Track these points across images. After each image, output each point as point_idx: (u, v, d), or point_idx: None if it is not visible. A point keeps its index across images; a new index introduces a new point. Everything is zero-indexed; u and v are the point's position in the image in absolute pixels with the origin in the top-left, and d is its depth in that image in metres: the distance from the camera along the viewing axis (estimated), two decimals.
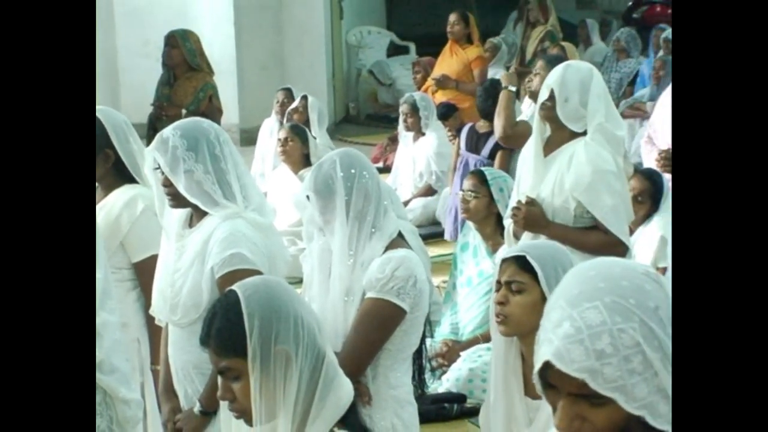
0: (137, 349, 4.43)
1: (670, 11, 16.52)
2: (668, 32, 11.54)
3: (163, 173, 3.78)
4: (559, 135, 4.87)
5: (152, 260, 4.10)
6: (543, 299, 3.42)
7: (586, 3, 18.70)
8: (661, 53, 11.23)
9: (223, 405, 2.66)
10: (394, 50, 15.91)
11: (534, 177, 4.90)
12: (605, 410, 1.86)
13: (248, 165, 4.72)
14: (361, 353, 3.81)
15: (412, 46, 15.80)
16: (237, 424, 2.66)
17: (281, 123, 9.37)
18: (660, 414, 1.86)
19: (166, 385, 4.01)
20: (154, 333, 4.23)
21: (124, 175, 4.37)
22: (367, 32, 15.97)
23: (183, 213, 3.90)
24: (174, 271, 3.85)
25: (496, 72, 10.74)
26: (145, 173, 4.20)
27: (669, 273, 4.89)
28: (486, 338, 5.93)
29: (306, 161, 8.06)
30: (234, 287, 2.62)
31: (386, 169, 10.24)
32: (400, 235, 3.91)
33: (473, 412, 5.52)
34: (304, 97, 9.37)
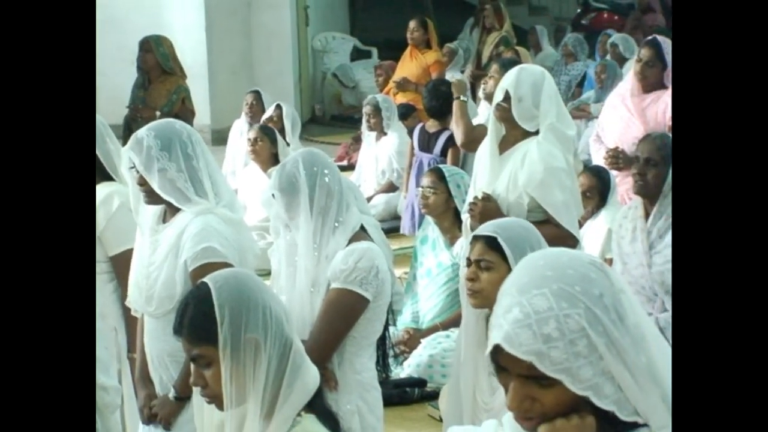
0: (114, 338, 4.42)
1: (616, 17, 16.61)
2: (614, 37, 11.60)
3: (138, 172, 3.77)
4: (514, 134, 4.89)
5: (128, 254, 4.09)
6: None
7: (539, 10, 18.75)
8: (607, 57, 11.29)
9: (196, 390, 2.65)
10: (357, 55, 15.89)
11: (490, 174, 4.92)
12: (553, 391, 1.88)
13: (219, 163, 4.70)
14: (327, 340, 3.82)
15: (375, 51, 15.79)
16: (209, 408, 2.65)
17: (250, 124, 9.34)
18: (605, 395, 1.87)
19: (142, 373, 4.00)
20: (131, 323, 4.22)
21: (101, 174, 4.36)
22: (331, 38, 15.95)
23: (157, 209, 3.89)
24: (149, 264, 3.84)
25: (453, 75, 10.75)
26: (121, 172, 4.20)
27: (615, 264, 4.92)
28: (445, 326, 5.95)
29: (275, 160, 8.03)
30: (205, 279, 2.61)
31: (350, 167, 10.24)
32: (362, 228, 3.93)
33: (433, 396, 5.53)
34: (279, 107, 9.32)
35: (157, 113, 7.76)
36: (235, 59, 13.65)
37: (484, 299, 3.63)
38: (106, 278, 4.38)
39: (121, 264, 4.25)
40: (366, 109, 9.70)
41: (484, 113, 8.50)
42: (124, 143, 3.96)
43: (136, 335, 4.07)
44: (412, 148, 8.75)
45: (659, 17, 14.73)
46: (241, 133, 9.68)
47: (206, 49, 13.17)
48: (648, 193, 4.90)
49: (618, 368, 1.87)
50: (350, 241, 3.85)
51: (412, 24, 11.55)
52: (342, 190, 3.88)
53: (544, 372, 1.85)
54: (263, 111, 9.62)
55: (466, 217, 5.06)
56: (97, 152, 4.31)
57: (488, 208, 4.85)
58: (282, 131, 8.91)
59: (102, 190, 4.33)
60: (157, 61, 8.20)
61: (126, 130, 7.90)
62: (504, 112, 4.85)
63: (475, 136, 6.89)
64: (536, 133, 4.84)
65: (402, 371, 5.79)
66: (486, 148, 5.00)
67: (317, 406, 2.58)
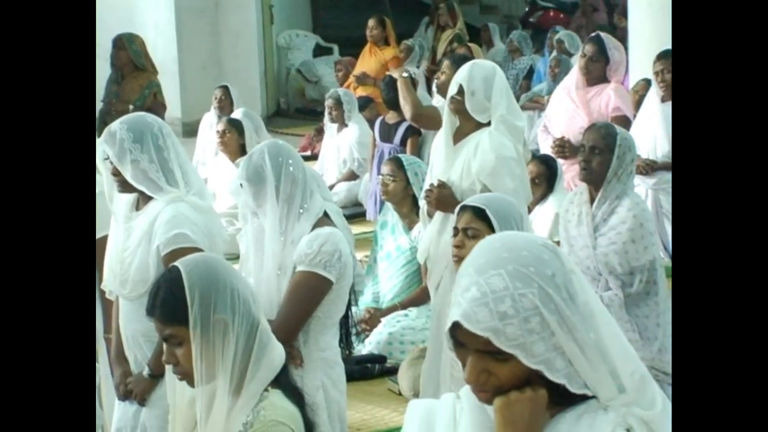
0: None
1: (562, 15, 16.66)
2: (560, 34, 11.63)
3: (112, 163, 3.76)
4: (467, 125, 4.90)
5: (103, 240, 4.05)
6: None
7: (489, 8, 18.77)
8: (554, 53, 11.32)
9: (168, 368, 2.64)
10: (319, 51, 15.86)
11: (445, 163, 4.93)
12: (508, 365, 1.87)
13: (189, 154, 4.67)
14: (293, 320, 3.81)
15: (336, 48, 15.77)
16: (181, 385, 2.64)
17: (219, 117, 9.30)
18: (557, 369, 1.87)
19: (117, 352, 3.98)
20: (106, 305, 4.19)
21: None
22: (295, 35, 15.91)
23: (130, 197, 3.87)
24: (123, 250, 3.83)
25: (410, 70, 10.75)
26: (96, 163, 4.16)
27: (562, 247, 4.93)
28: (404, 305, 5.96)
29: (242, 151, 8.00)
30: (176, 263, 2.60)
31: (314, 157, 10.22)
32: (325, 214, 3.93)
33: (393, 371, 5.54)
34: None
35: (130, 107, 7.71)
36: (203, 56, 13.61)
37: None
38: None
39: (97, 249, 4.21)
40: (328, 103, 9.72)
41: (437, 106, 8.51)
42: (99, 136, 3.92)
43: (112, 317, 4.05)
44: (374, 138, 8.74)
45: (602, 15, 14.81)
46: (210, 125, 9.64)
47: (176, 47, 13.11)
48: (593, 180, 4.92)
49: (569, 344, 1.87)
50: (314, 227, 3.84)
51: (370, 22, 11.58)
52: (306, 179, 3.88)
53: (499, 347, 1.85)
54: (232, 105, 9.60)
55: (423, 203, 5.07)
56: None
57: (443, 194, 4.86)
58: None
59: None
60: (130, 58, 8.16)
61: (101, 124, 7.83)
62: (458, 105, 4.86)
63: (424, 111, 6.88)
64: (488, 124, 4.85)
65: (363, 348, 5.79)
66: (441, 138, 5.01)
67: (283, 382, 2.58)
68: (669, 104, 7.13)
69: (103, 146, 3.76)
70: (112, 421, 4.01)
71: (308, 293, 3.81)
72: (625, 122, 6.95)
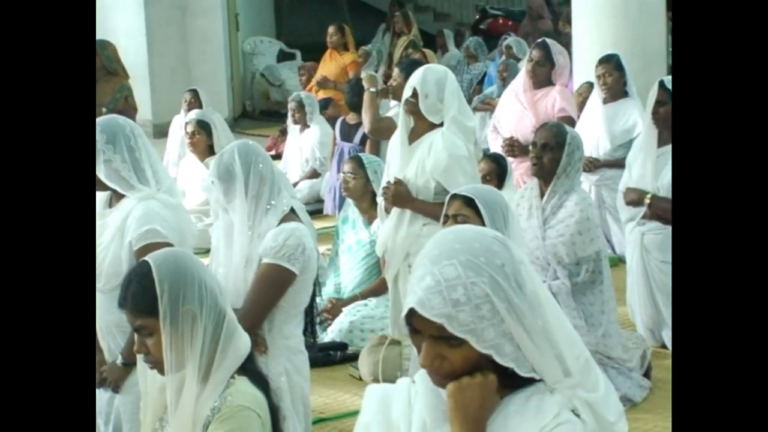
0: None
1: (510, 23, 16.71)
2: (509, 40, 11.65)
3: None
4: (421, 126, 4.90)
5: None
6: None
7: (442, 16, 18.80)
8: (504, 58, 11.35)
9: (140, 357, 2.62)
10: (282, 56, 15.81)
11: (400, 161, 4.93)
12: (461, 350, 1.87)
13: (160, 155, 4.63)
14: (259, 309, 3.80)
15: (298, 53, 15.72)
16: (152, 373, 2.62)
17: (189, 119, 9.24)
18: (506, 353, 1.87)
19: None
20: None
21: None
22: (259, 41, 15.86)
23: (104, 195, 3.85)
24: (98, 245, 3.79)
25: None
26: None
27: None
28: (364, 295, 5.95)
29: (210, 151, 7.97)
30: (147, 258, 2.58)
31: (278, 157, 10.19)
32: (292, 211, 3.92)
33: (354, 358, 5.53)
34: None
35: (103, 110, 7.62)
36: (172, 61, 13.55)
37: None
38: None
39: None
40: (291, 105, 9.72)
41: (394, 108, 8.51)
42: None
43: None
44: (335, 138, 8.74)
45: (548, 22, 14.86)
46: (180, 127, 9.58)
47: (146, 52, 13.06)
48: (544, 175, 4.94)
49: (517, 330, 1.87)
50: (281, 222, 3.84)
51: (331, 29, 11.59)
52: (274, 177, 3.89)
53: (452, 333, 1.85)
54: (201, 107, 9.53)
55: (381, 200, 5.07)
56: None
57: (399, 191, 4.87)
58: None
59: None
60: (102, 62, 8.07)
61: None
62: (412, 107, 4.87)
63: (381, 124, 6.90)
64: (441, 124, 4.86)
65: (326, 336, 5.77)
66: (397, 138, 5.01)
67: (249, 369, 2.57)
68: (610, 105, 7.19)
69: None
70: None
71: (273, 284, 3.80)
72: (570, 122, 6.97)
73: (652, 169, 5.48)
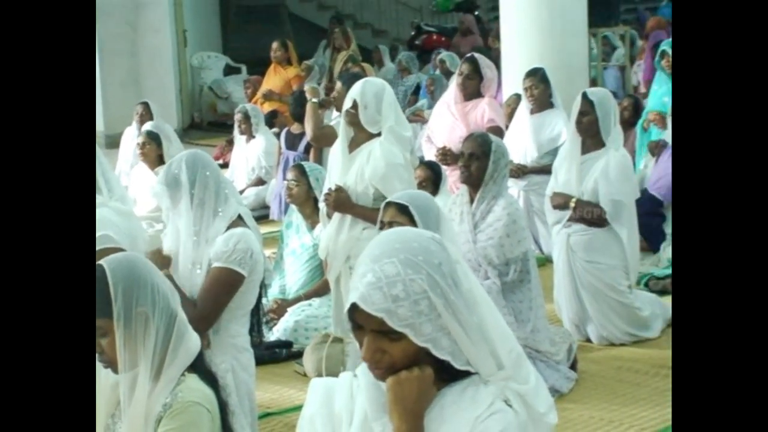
0: None
1: (443, 39, 16.79)
2: (442, 55, 11.72)
3: None
4: (360, 136, 4.91)
5: None
6: None
7: (380, 32, 18.83)
8: (436, 72, 11.41)
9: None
10: (229, 70, 15.74)
11: (341, 169, 4.93)
12: (400, 344, 1.88)
13: (112, 165, 4.59)
14: (211, 311, 3.77)
15: (244, 68, 15.66)
16: (106, 372, 2.59)
17: (140, 130, 9.15)
18: (442, 347, 1.88)
19: None
20: None
21: None
22: (207, 56, 15.78)
23: None
24: None
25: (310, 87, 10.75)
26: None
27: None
28: (308, 296, 5.93)
29: (161, 160, 7.89)
30: (101, 262, 2.55)
31: (225, 165, 10.13)
32: (239, 217, 3.90)
33: (298, 355, 5.51)
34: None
35: None
36: (123, 75, 13.45)
37: None
38: None
39: None
40: (237, 117, 9.69)
41: (336, 119, 8.52)
42: None
43: None
44: (280, 147, 8.75)
45: (478, 38, 14.97)
46: (132, 138, 9.48)
47: (99, 67, 12.90)
48: (472, 182, 4.97)
49: (453, 325, 1.88)
50: (229, 227, 3.81)
51: (274, 45, 11.58)
52: (220, 185, 3.86)
53: (392, 327, 1.86)
54: (152, 119, 9.43)
55: (323, 206, 5.07)
56: None
57: (340, 197, 4.87)
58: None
59: None
60: None
61: None
62: (352, 118, 4.87)
63: (323, 133, 6.89)
64: (379, 134, 4.86)
65: (272, 335, 5.75)
66: (338, 147, 5.01)
67: (199, 367, 2.55)
68: (536, 116, 7.26)
69: None
70: None
71: (224, 287, 3.78)
72: (499, 132, 7.03)
73: (576, 175, 5.53)
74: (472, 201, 4.98)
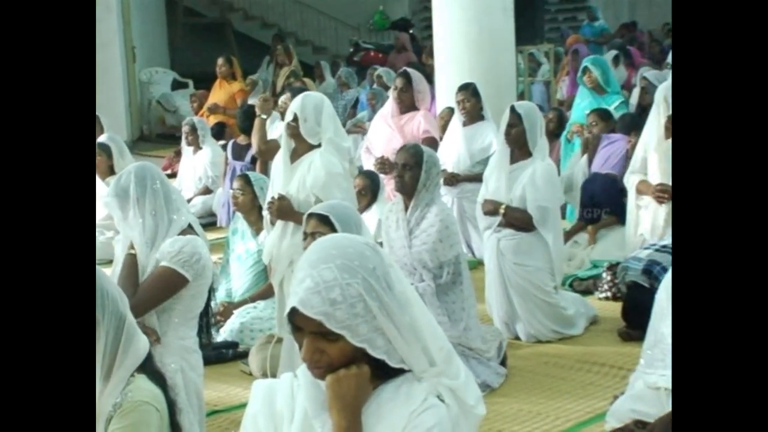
0: None
1: (380, 55, 16.84)
2: (379, 70, 11.77)
3: None
4: (301, 147, 4.91)
5: None
6: None
7: (320, 49, 18.84)
8: (375, 86, 11.44)
9: None
10: (176, 85, 15.63)
11: (284, 179, 4.92)
12: (338, 345, 1.88)
13: None
14: (146, 302, 3.74)
15: (191, 82, 15.56)
16: None
17: None
18: (378, 346, 1.89)
19: None
20: None
21: None
22: (155, 72, 15.65)
23: None
24: None
25: (254, 101, 10.72)
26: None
27: (384, 247, 4.98)
28: (253, 299, 5.91)
29: (111, 171, 7.81)
30: None
31: (173, 176, 10.07)
32: (189, 226, 3.88)
33: (244, 355, 5.48)
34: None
35: None
36: None
37: None
38: None
39: None
40: (185, 129, 9.64)
41: (279, 131, 8.50)
42: None
43: None
44: (227, 157, 8.75)
45: (411, 55, 15.06)
46: None
47: None
48: (406, 191, 4.99)
49: (388, 325, 1.88)
50: (180, 235, 3.79)
51: (220, 60, 11.53)
52: (169, 195, 3.84)
53: (330, 329, 1.86)
54: (102, 131, 9.29)
55: (266, 213, 5.05)
56: None
57: (283, 205, 4.86)
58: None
59: None
60: None
61: None
62: (293, 130, 4.87)
63: (268, 146, 6.89)
64: (319, 145, 4.86)
65: (219, 336, 5.71)
66: (281, 158, 5.00)
67: (147, 367, 2.52)
68: (469, 127, 7.32)
69: None
70: None
71: (163, 285, 3.75)
72: (433, 143, 7.08)
73: (505, 183, 5.58)
74: (406, 208, 5.00)
